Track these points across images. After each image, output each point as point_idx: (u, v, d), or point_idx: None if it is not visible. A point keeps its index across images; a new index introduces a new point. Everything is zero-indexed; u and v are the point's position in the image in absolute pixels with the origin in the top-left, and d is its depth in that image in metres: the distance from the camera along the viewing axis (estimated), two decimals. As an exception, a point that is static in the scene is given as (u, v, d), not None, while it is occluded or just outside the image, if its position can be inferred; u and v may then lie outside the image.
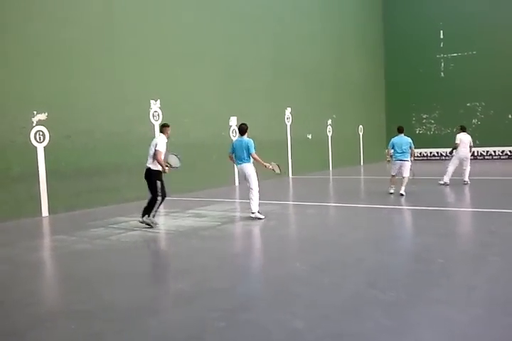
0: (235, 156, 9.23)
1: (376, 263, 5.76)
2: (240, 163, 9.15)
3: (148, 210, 8.45)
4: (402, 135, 12.13)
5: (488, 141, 24.67)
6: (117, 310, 4.44)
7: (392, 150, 12.07)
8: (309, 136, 20.09)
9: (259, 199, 9.17)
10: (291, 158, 18.73)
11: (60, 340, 3.78)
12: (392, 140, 12.17)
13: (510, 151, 24.98)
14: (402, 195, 11.60)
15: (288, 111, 18.60)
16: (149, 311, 4.37)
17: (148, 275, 5.81)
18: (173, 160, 8.73)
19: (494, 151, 24.93)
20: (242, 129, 9.18)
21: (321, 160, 21.11)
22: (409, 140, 11.97)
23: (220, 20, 15.32)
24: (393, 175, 12.13)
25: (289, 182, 16.85)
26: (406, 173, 11.88)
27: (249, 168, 9.10)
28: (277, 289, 4.89)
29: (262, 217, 9.01)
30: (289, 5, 18.97)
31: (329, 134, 21.65)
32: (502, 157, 24.99)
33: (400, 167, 11.94)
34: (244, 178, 9.32)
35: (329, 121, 21.63)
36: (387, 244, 6.78)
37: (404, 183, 11.84)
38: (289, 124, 18.67)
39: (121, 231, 8.30)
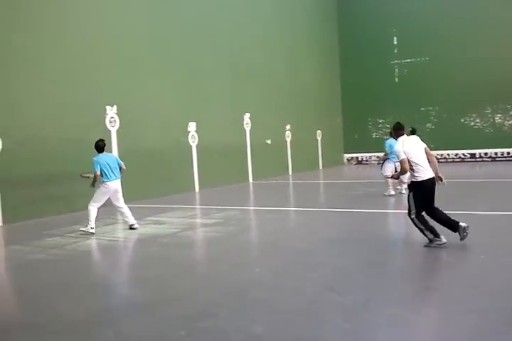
0: (107, 172, 8.52)
1: (335, 266, 5.81)
2: (116, 179, 8.65)
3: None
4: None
5: (442, 145, 25.37)
6: (73, 322, 4.32)
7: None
8: (268, 141, 20.18)
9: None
10: (251, 163, 18.76)
11: (13, 355, 3.66)
12: (387, 141, 12.30)
13: (463, 154, 25.75)
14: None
15: (247, 116, 18.64)
16: (106, 322, 4.27)
17: (105, 284, 5.68)
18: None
19: (448, 154, 25.63)
20: (100, 146, 8.62)
21: (281, 165, 21.22)
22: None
23: (178, 25, 15.24)
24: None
25: (249, 188, 16.87)
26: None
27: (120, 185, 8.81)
28: (237, 295, 4.87)
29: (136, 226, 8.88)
30: (244, 11, 19.04)
31: (288, 139, 21.80)
32: (456, 160, 25.73)
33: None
34: (115, 195, 8.78)
35: (288, 126, 21.79)
36: (345, 247, 6.85)
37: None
38: (248, 129, 18.70)
39: (78, 240, 8.11)
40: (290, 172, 21.71)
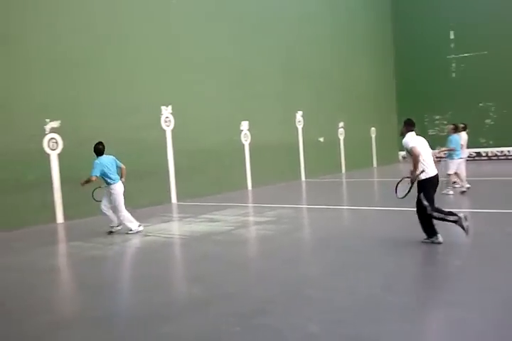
0: (111, 175, 8.46)
1: (389, 266, 5.71)
2: (119, 181, 8.61)
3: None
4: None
5: (502, 141, 24.44)
6: (131, 316, 4.45)
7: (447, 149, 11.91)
8: (321, 139, 20.03)
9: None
10: (304, 161, 18.68)
11: (76, 347, 3.80)
12: (452, 137, 11.87)
13: (525, 151, 24.70)
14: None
15: (299, 114, 18.57)
16: (163, 317, 4.36)
17: (161, 280, 5.81)
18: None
19: (508, 151, 24.65)
20: (100, 150, 8.53)
21: (334, 162, 21.03)
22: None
23: (230, 25, 15.38)
24: (455, 173, 12.08)
25: (301, 186, 16.81)
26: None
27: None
28: (291, 293, 4.87)
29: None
30: (297, 8, 18.98)
31: (341, 137, 21.56)
32: (517, 157, 24.71)
33: (459, 164, 12.00)
34: (111, 197, 8.57)
35: (341, 124, 21.56)
36: (401, 247, 6.72)
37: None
38: (300, 127, 18.64)
39: (135, 236, 8.33)
40: (343, 171, 21.48)
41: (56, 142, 10.41)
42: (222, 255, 6.77)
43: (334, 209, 10.61)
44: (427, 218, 6.54)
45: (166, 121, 12.99)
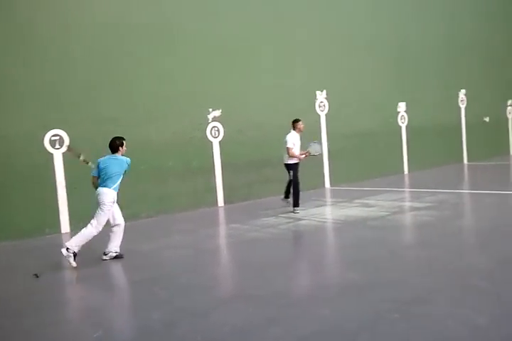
0: (104, 178, 6.29)
1: None
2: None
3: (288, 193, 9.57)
4: None
5: None
6: (290, 296, 4.57)
7: None
8: (486, 119, 18.54)
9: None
10: (466, 143, 17.48)
11: (240, 322, 4.01)
12: None
13: None
14: None
15: (462, 93, 17.36)
16: (321, 299, 4.42)
17: (317, 264, 5.88)
18: (314, 149, 9.53)
19: None
20: (115, 146, 6.39)
21: (500, 144, 19.34)
22: None
23: (385, 2, 14.87)
24: None
25: (463, 169, 15.78)
26: None
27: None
28: (454, 283, 4.62)
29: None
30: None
31: (509, 116, 19.72)
32: None
33: None
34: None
35: (509, 102, 19.69)
36: None
37: None
38: (463, 107, 17.43)
39: (290, 220, 8.52)
40: (512, 153, 19.68)
41: (218, 130, 10.99)
42: (378, 241, 6.64)
43: (502, 195, 9.78)
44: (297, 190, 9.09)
45: (320, 106, 13.01)
